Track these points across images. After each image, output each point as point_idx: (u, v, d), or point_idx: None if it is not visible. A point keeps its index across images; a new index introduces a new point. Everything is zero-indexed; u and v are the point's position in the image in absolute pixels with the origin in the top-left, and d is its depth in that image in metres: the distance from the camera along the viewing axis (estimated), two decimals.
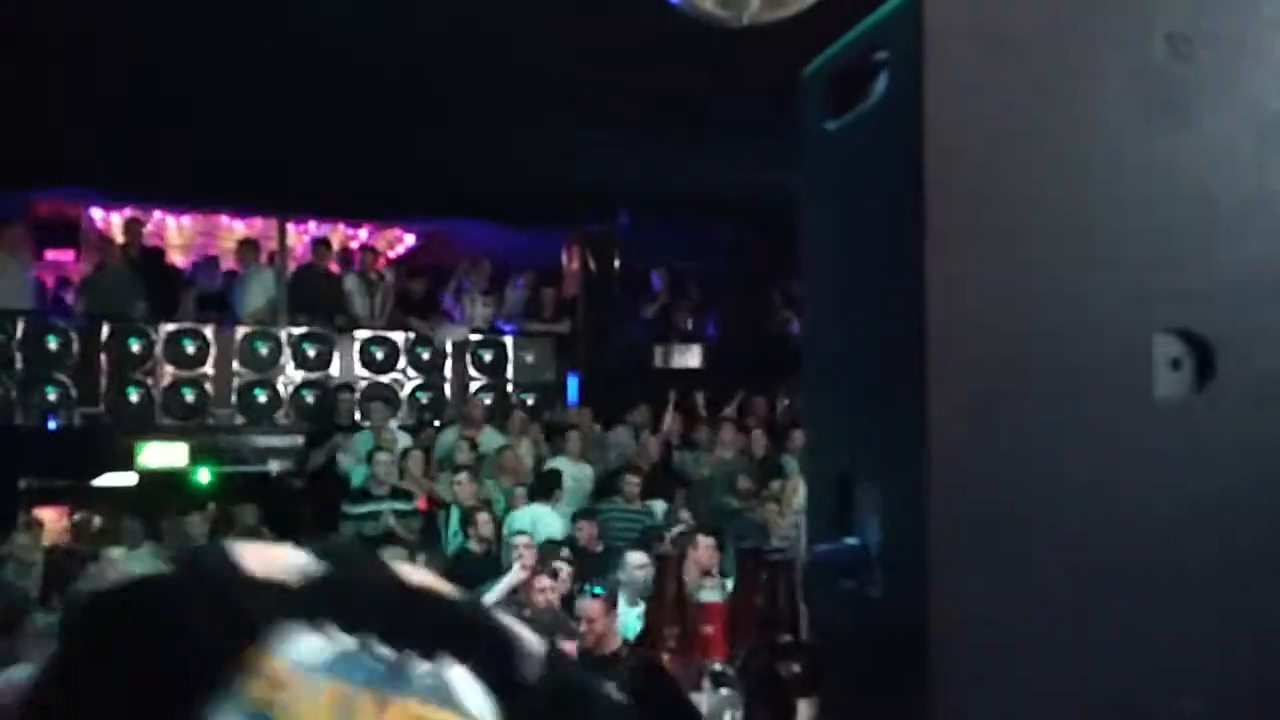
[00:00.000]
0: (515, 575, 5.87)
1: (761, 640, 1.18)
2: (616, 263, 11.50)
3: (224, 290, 10.56)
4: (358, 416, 9.12)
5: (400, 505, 7.62)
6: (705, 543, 6.21)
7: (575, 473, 8.43)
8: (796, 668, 1.17)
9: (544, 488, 7.96)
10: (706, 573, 3.23)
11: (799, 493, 8.02)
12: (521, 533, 6.75)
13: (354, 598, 0.60)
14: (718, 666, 1.10)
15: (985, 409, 1.04)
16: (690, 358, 11.29)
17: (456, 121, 8.43)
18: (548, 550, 6.38)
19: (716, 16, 3.63)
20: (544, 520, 7.50)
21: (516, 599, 5.47)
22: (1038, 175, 1.09)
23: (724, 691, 1.11)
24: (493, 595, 5.51)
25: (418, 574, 0.64)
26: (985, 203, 1.07)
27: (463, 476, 7.72)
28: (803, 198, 1.33)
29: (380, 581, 0.62)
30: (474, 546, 7.05)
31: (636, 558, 5.63)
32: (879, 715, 1.14)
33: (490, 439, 8.82)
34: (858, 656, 1.16)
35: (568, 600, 5.43)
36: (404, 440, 8.65)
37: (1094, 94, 1.11)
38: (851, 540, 1.14)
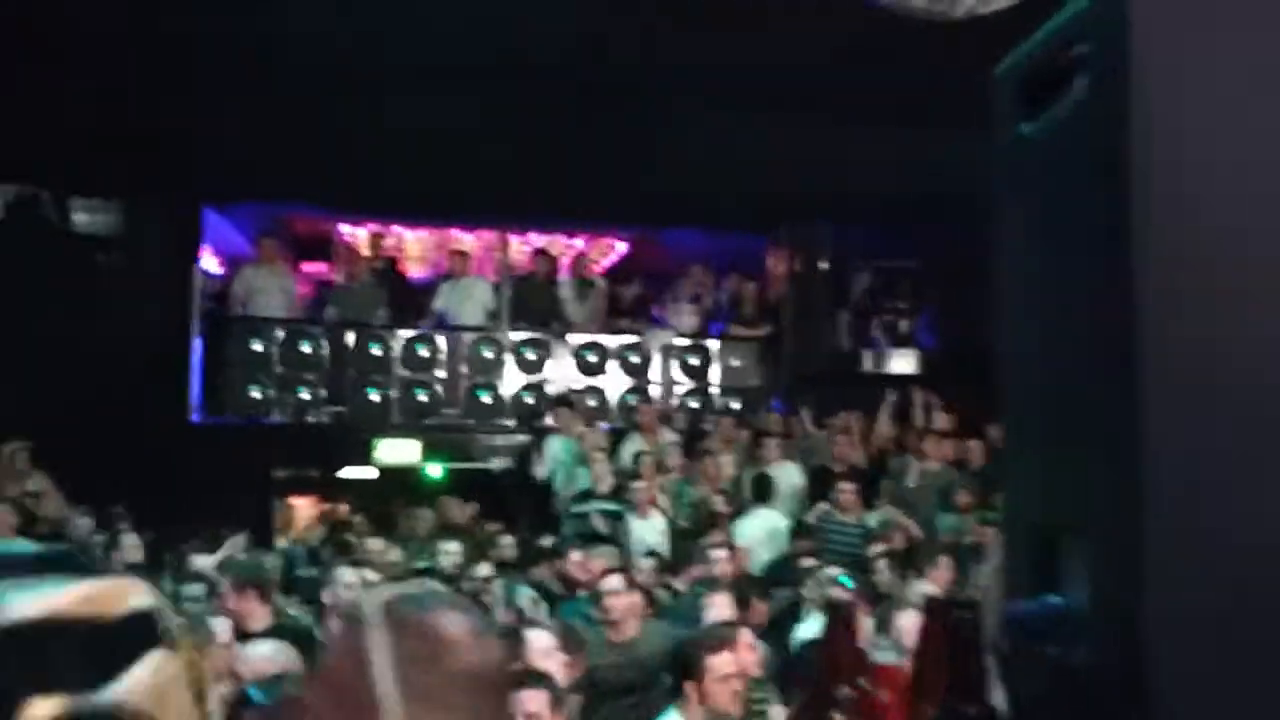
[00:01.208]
0: (721, 610, 4.98)
1: (946, 709, 1.13)
2: (823, 264, 11.37)
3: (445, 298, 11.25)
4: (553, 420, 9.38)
5: (614, 507, 7.79)
6: (945, 563, 6.07)
7: (783, 475, 8.32)
8: None
9: (759, 493, 7.93)
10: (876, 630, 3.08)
11: None
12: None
13: None
14: None
15: (1216, 456, 0.90)
16: (904, 362, 11.01)
17: (665, 129, 8.65)
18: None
19: (928, 11, 3.54)
20: (772, 523, 7.45)
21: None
22: (1270, 183, 0.92)
23: None
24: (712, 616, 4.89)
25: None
26: (1205, 217, 0.91)
27: (656, 482, 7.75)
28: (997, 211, 1.21)
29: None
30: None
31: (830, 573, 5.58)
32: None
33: (667, 443, 8.88)
34: None
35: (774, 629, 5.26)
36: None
37: None
38: (1054, 599, 1.02)
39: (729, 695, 3.29)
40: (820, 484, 8.33)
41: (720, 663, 3.32)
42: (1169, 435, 0.91)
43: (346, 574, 4.90)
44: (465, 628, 1.10)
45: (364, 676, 1.05)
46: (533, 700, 3.07)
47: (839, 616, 1.48)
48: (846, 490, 7.84)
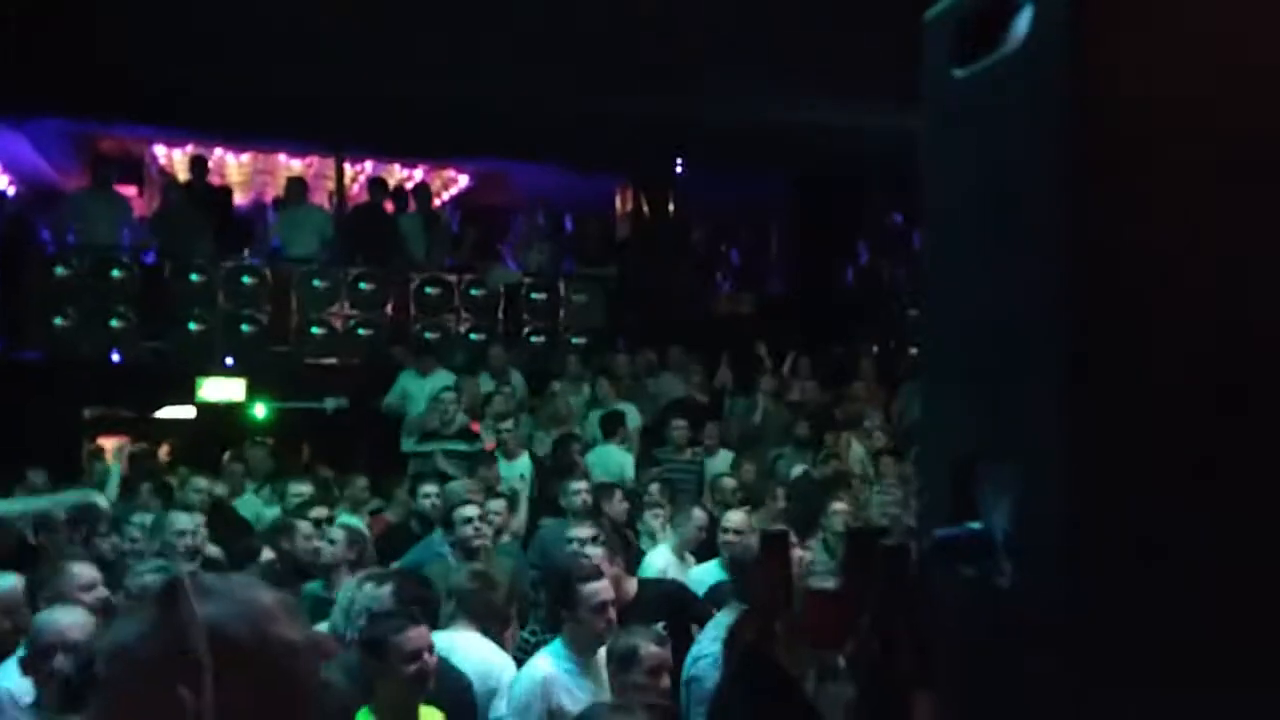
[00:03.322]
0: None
1: (873, 631, 1.13)
2: (671, 206, 11.35)
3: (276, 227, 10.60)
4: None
5: (461, 446, 7.60)
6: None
7: (627, 414, 8.30)
8: (911, 660, 1.12)
9: (609, 428, 7.94)
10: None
11: (853, 448, 7.94)
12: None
13: None
14: (828, 658, 1.06)
15: (1148, 381, 0.92)
16: (744, 305, 11.19)
17: (512, 59, 8.31)
18: (601, 493, 6.29)
19: None
20: (613, 459, 7.50)
21: None
22: (1222, 125, 0.92)
23: (834, 684, 1.08)
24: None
25: None
26: (1150, 157, 0.92)
27: (509, 424, 7.64)
28: (926, 153, 1.21)
29: None
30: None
31: (700, 516, 5.60)
32: (1003, 713, 1.05)
33: (518, 384, 8.79)
34: (980, 649, 1.07)
35: None
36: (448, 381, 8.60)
37: None
38: (975, 525, 1.07)
39: (604, 624, 3.41)
40: (663, 424, 8.41)
41: (593, 591, 3.45)
42: (1105, 368, 0.94)
43: (181, 519, 4.50)
44: (276, 599, 1.15)
45: (179, 643, 1.05)
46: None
47: (772, 546, 1.45)
48: (680, 427, 8.00)
